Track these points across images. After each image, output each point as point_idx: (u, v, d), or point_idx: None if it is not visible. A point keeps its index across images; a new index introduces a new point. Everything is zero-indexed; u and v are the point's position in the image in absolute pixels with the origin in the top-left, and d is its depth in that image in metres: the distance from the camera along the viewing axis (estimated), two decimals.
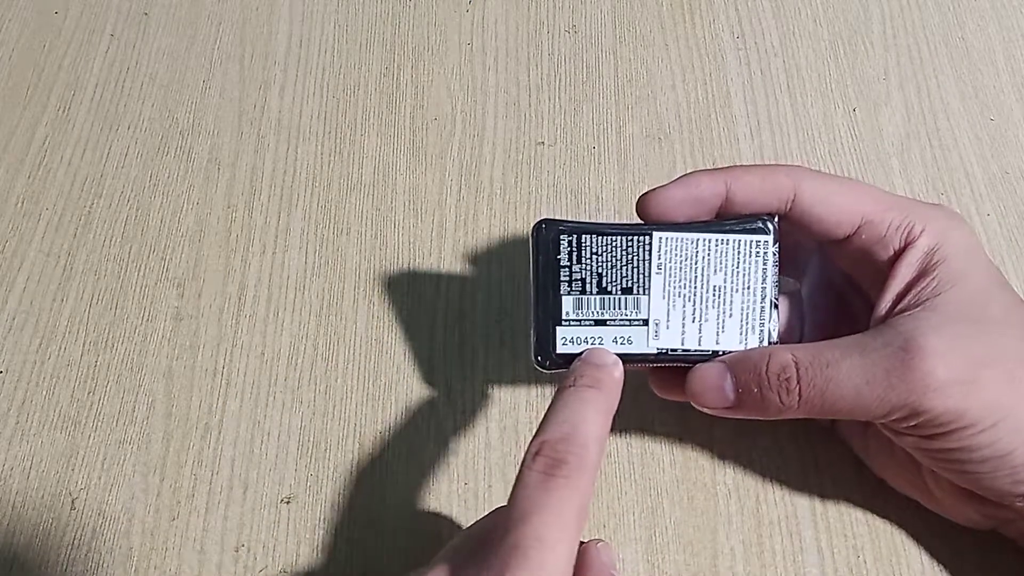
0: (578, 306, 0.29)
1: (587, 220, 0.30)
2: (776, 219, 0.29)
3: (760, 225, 0.29)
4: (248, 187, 0.40)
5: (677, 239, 0.29)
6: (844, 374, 0.27)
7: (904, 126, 0.42)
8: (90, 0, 0.46)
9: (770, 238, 0.29)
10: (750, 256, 0.29)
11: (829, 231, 0.29)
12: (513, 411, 0.35)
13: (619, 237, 0.29)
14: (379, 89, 0.43)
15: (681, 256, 0.29)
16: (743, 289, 0.29)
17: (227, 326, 0.37)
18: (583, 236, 0.29)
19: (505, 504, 0.25)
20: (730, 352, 0.29)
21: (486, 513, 0.28)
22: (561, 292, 0.29)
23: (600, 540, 0.27)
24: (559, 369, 0.29)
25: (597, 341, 0.29)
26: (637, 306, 0.29)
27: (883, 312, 0.28)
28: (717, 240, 0.29)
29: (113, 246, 0.39)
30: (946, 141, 0.41)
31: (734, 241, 0.29)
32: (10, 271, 0.38)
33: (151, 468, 0.34)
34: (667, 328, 0.29)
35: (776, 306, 0.30)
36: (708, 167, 0.31)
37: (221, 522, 0.33)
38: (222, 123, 0.42)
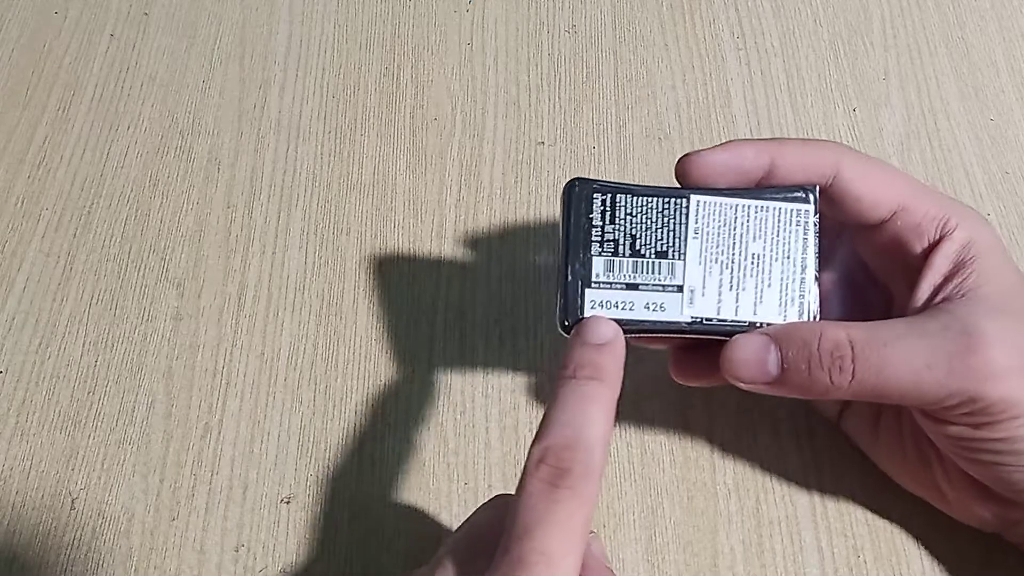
0: (609, 268, 0.28)
1: (621, 181, 0.29)
2: (817, 189, 0.28)
3: (801, 194, 0.28)
4: (248, 187, 0.40)
5: (716, 203, 0.28)
6: (902, 356, 0.26)
7: (904, 126, 0.42)
8: (90, 0, 0.46)
9: (811, 207, 0.28)
10: (791, 225, 0.28)
11: (865, 212, 0.29)
12: (513, 411, 0.35)
13: (655, 199, 0.28)
14: (379, 89, 0.43)
15: (719, 221, 0.28)
16: (783, 258, 0.28)
17: (227, 326, 0.37)
18: (618, 196, 0.28)
19: (507, 493, 0.24)
20: (768, 324, 0.28)
21: (487, 500, 0.28)
22: (592, 252, 0.28)
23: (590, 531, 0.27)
24: None
25: (628, 306, 0.28)
26: (672, 271, 0.28)
27: (921, 301, 0.28)
28: (757, 207, 0.28)
29: (113, 246, 0.39)
30: (946, 141, 0.41)
31: (775, 209, 0.28)
32: (10, 271, 0.38)
33: (151, 468, 0.34)
34: (702, 296, 0.28)
35: (817, 278, 0.28)
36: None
37: (221, 522, 0.33)
38: (222, 123, 0.42)
